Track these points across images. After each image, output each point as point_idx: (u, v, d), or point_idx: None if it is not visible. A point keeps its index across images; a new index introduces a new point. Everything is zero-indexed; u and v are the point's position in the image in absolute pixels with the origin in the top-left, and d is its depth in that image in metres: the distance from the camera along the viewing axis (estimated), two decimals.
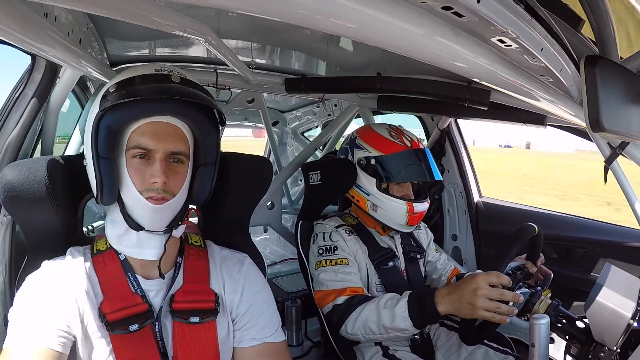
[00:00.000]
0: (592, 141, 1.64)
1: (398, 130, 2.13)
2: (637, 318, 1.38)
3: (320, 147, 3.50)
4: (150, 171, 1.15)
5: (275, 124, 4.23)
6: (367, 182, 2.07)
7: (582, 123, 1.31)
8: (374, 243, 2.10)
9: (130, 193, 1.16)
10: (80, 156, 1.26)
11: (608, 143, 1.55)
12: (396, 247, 2.17)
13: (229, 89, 2.38)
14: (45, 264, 1.21)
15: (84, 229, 1.56)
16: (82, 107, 2.47)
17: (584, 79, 1.14)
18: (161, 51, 2.19)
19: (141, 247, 1.20)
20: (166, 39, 2.00)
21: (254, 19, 1.58)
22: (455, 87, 1.88)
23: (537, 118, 1.97)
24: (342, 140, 3.18)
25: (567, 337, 1.56)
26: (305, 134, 4.45)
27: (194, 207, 1.36)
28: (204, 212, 1.52)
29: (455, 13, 0.77)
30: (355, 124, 3.27)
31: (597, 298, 1.43)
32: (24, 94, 1.62)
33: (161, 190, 1.15)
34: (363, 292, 1.88)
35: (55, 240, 1.31)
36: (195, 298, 1.27)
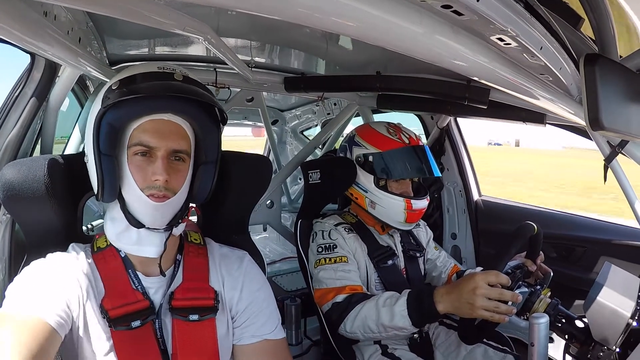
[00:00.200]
0: (591, 140, 1.63)
1: (396, 128, 2.13)
2: (636, 317, 1.38)
3: (320, 146, 3.50)
4: (152, 169, 1.15)
5: (274, 122, 4.23)
6: (365, 179, 2.07)
7: (581, 121, 1.31)
8: (373, 241, 2.10)
9: (132, 190, 1.16)
10: (80, 155, 1.26)
11: (607, 141, 1.55)
12: (396, 246, 2.17)
13: (229, 88, 2.38)
14: (50, 254, 1.21)
15: (84, 228, 1.56)
16: (82, 106, 2.47)
17: (583, 77, 1.14)
18: (161, 50, 2.19)
19: (141, 245, 1.20)
20: (166, 38, 2.00)
21: (254, 18, 1.58)
22: (455, 86, 1.88)
23: (536, 116, 1.97)
24: (341, 139, 3.18)
25: (566, 336, 1.55)
26: (305, 133, 4.44)
27: (194, 205, 1.36)
28: (203, 210, 1.52)
29: (455, 11, 0.77)
30: (352, 125, 3.27)
31: (597, 297, 1.43)
32: (23, 93, 1.61)
33: (163, 187, 1.15)
34: (362, 290, 1.88)
35: (55, 239, 1.30)
36: (194, 295, 1.27)
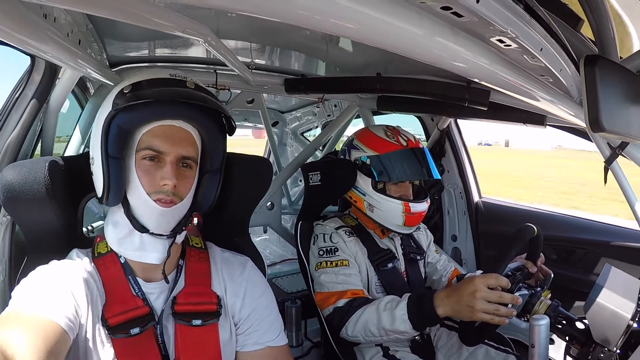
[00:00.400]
0: (592, 141, 1.63)
1: (395, 130, 2.13)
2: (636, 319, 1.38)
3: (320, 148, 3.50)
4: (160, 173, 1.15)
5: (275, 124, 4.24)
6: (363, 182, 2.07)
7: (581, 123, 1.31)
8: (373, 244, 2.10)
9: (138, 194, 1.16)
10: (81, 157, 1.26)
11: (608, 143, 1.55)
12: (396, 249, 2.17)
13: (229, 90, 2.38)
14: (56, 261, 1.21)
15: (84, 230, 1.56)
16: (82, 108, 2.47)
17: (583, 78, 1.14)
18: (161, 52, 2.20)
19: (144, 251, 1.19)
20: (166, 40, 2.00)
21: (254, 20, 1.58)
22: (455, 87, 1.88)
23: (536, 118, 1.97)
24: (342, 139, 3.19)
25: (566, 338, 1.55)
26: (305, 135, 4.45)
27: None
28: (204, 212, 1.52)
29: (455, 13, 0.77)
30: (353, 127, 3.27)
31: (597, 299, 1.43)
32: (23, 95, 1.62)
33: (171, 193, 1.15)
34: (363, 295, 1.88)
35: (55, 241, 1.30)
36: (197, 300, 1.27)
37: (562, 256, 2.63)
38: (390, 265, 2.08)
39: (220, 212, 1.50)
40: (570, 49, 1.11)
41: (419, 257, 2.24)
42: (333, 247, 1.99)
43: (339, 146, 3.06)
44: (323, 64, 2.43)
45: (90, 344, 1.13)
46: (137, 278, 1.24)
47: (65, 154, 2.35)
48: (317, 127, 4.25)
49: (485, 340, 2.02)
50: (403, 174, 2.04)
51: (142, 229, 1.17)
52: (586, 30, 1.24)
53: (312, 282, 2.04)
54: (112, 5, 0.87)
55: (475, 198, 3.11)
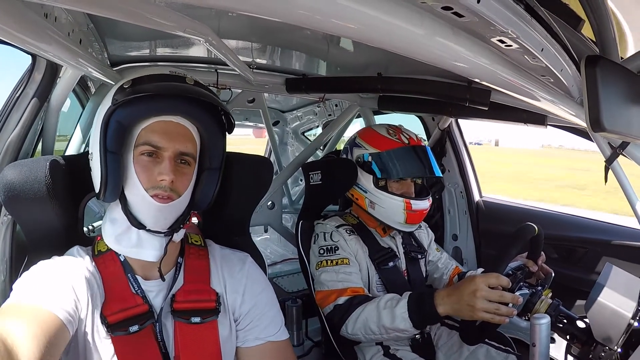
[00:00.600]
0: (592, 141, 1.63)
1: (396, 129, 2.13)
2: (637, 318, 1.38)
3: (321, 147, 3.50)
4: (158, 169, 1.15)
5: (276, 123, 4.24)
6: (364, 179, 2.07)
7: (582, 123, 1.31)
8: (374, 243, 2.10)
9: (136, 190, 1.16)
10: (81, 156, 1.26)
11: (609, 143, 1.55)
12: (397, 247, 2.17)
13: (230, 89, 2.39)
14: (57, 256, 1.21)
15: (85, 229, 1.56)
16: (83, 107, 2.47)
17: (584, 79, 1.14)
18: (162, 51, 2.19)
19: (141, 247, 1.19)
20: (167, 39, 2.00)
21: (255, 19, 1.58)
22: (456, 87, 1.88)
23: (537, 118, 1.97)
24: (344, 139, 3.19)
25: (567, 336, 1.56)
26: (306, 134, 4.45)
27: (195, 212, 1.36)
28: (204, 211, 1.52)
29: (456, 13, 0.77)
30: (353, 126, 3.27)
31: (598, 298, 1.43)
32: (24, 94, 1.62)
33: (168, 188, 1.15)
34: (364, 293, 1.88)
35: (56, 240, 1.30)
36: (196, 298, 1.27)
37: (562, 255, 2.63)
38: (391, 264, 2.08)
39: (221, 212, 1.50)
40: (571, 49, 1.11)
41: (420, 256, 2.24)
42: (333, 246, 1.99)
43: (339, 146, 3.05)
44: (324, 64, 2.43)
45: (90, 341, 1.14)
46: (137, 276, 1.25)
47: (66, 153, 2.35)
48: (318, 126, 4.25)
49: (486, 340, 2.02)
50: (404, 171, 2.04)
51: (139, 225, 1.17)
52: (587, 31, 1.24)
53: (313, 281, 2.04)
54: (113, 4, 0.87)
55: (476, 197, 3.11)
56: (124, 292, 1.21)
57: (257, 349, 1.34)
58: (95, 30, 1.68)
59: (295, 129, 4.38)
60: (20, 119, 1.59)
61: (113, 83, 1.69)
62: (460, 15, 0.78)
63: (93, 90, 2.46)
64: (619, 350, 1.41)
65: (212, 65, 2.30)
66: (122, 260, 1.24)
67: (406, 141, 2.07)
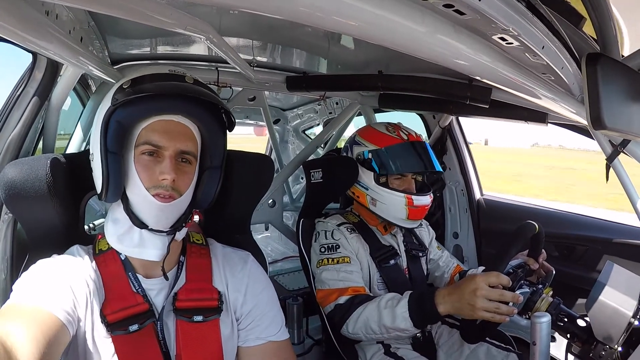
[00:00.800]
0: (593, 139, 1.63)
1: (395, 126, 2.14)
2: (638, 316, 1.38)
3: (322, 145, 3.50)
4: (159, 168, 1.15)
5: (276, 122, 4.24)
6: (365, 177, 2.07)
7: (583, 121, 1.31)
8: (375, 241, 2.10)
9: (137, 189, 1.16)
10: (82, 154, 1.26)
11: (609, 141, 1.55)
12: (398, 245, 2.17)
13: (230, 87, 2.39)
14: (57, 255, 1.21)
15: (85, 227, 1.56)
16: (84, 105, 2.47)
17: (585, 76, 1.14)
18: (162, 49, 2.19)
19: (143, 247, 1.19)
20: (167, 37, 2.00)
21: (255, 17, 1.59)
22: (457, 85, 1.88)
23: (538, 116, 1.97)
24: (344, 137, 3.18)
25: (568, 335, 1.55)
26: (307, 132, 4.45)
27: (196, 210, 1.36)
28: (205, 210, 1.52)
29: (457, 11, 0.77)
30: (354, 125, 3.27)
31: (599, 297, 1.43)
32: (25, 92, 1.62)
33: (169, 187, 1.15)
34: (365, 292, 1.89)
35: (57, 238, 1.30)
36: (198, 296, 1.27)
37: (563, 253, 2.64)
38: (392, 262, 2.08)
39: (222, 210, 1.50)
40: (572, 46, 1.11)
41: (420, 254, 2.24)
42: (334, 244, 1.99)
43: (340, 144, 3.05)
44: (325, 62, 2.43)
45: (90, 340, 1.14)
46: (138, 275, 1.25)
47: (67, 152, 2.35)
48: (318, 124, 4.25)
49: (487, 338, 2.02)
50: (404, 166, 2.05)
51: (141, 224, 1.17)
52: (588, 28, 1.24)
53: (314, 279, 2.04)
54: (114, 2, 0.88)
55: (477, 195, 3.11)
56: (124, 291, 1.21)
57: (257, 348, 1.34)
58: (96, 28, 1.68)
59: (296, 127, 4.38)
60: (21, 117, 1.59)
61: (114, 81, 1.70)
62: (461, 13, 0.78)
63: (94, 88, 2.46)
64: (620, 349, 1.41)
65: (213, 63, 2.30)
66: (122, 259, 1.24)
67: (405, 137, 2.07)
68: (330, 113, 3.81)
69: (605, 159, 1.57)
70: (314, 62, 2.45)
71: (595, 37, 1.23)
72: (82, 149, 2.32)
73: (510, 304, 1.50)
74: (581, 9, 1.15)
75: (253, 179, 1.53)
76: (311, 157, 3.00)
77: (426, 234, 2.38)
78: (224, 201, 1.46)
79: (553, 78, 1.17)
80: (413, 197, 2.01)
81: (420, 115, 3.16)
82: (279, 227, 3.47)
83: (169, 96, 1.16)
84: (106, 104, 1.14)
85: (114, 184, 1.15)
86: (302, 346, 2.70)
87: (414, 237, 2.30)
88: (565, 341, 1.58)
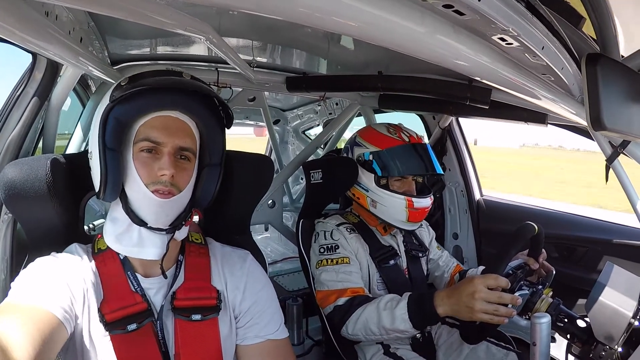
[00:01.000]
0: (593, 140, 1.63)
1: (397, 127, 2.14)
2: (638, 317, 1.38)
3: (322, 146, 3.50)
4: (158, 164, 1.15)
5: (276, 122, 4.24)
6: (366, 178, 2.07)
7: (583, 122, 1.31)
8: (375, 241, 2.10)
9: (136, 186, 1.15)
10: (82, 154, 1.26)
11: (609, 142, 1.55)
12: (398, 246, 2.17)
13: (230, 88, 2.39)
14: (56, 253, 1.21)
15: (85, 227, 1.56)
16: (84, 106, 2.47)
17: (585, 77, 1.14)
18: (162, 49, 2.19)
19: (142, 246, 1.18)
20: (167, 38, 2.00)
21: (255, 18, 1.58)
22: (457, 86, 1.88)
23: (538, 116, 1.97)
24: (344, 138, 3.18)
25: (568, 336, 1.56)
26: (307, 133, 4.45)
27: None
28: (205, 210, 1.52)
29: (457, 11, 0.77)
30: (354, 125, 3.27)
31: (599, 297, 1.43)
32: (25, 93, 1.62)
33: (168, 183, 1.15)
34: (364, 293, 1.88)
35: (57, 239, 1.30)
36: (196, 295, 1.27)
37: (563, 254, 2.63)
38: (392, 262, 2.08)
39: (222, 210, 1.50)
40: (572, 47, 1.11)
41: (421, 254, 2.24)
42: (334, 245, 1.99)
43: (340, 144, 3.05)
44: (325, 62, 2.43)
45: (88, 339, 1.14)
46: (136, 273, 1.25)
47: (67, 152, 2.35)
48: (318, 125, 4.25)
49: (487, 338, 2.03)
50: (405, 169, 2.04)
51: (140, 222, 1.17)
52: (588, 29, 1.24)
53: (313, 280, 2.04)
54: (113, 3, 0.87)
55: (477, 196, 3.11)
56: (122, 290, 1.21)
57: (256, 347, 1.34)
58: (96, 29, 1.68)
59: (295, 127, 4.38)
60: (20, 117, 1.59)
61: (113, 82, 1.69)
62: (461, 14, 0.78)
63: (94, 89, 2.47)
64: (620, 349, 1.41)
65: (213, 64, 2.30)
66: (121, 258, 1.24)
67: (406, 139, 2.07)
68: (330, 114, 3.82)
69: (605, 160, 1.57)
70: (313, 63, 2.45)
71: (595, 38, 1.23)
72: (82, 149, 2.32)
73: (510, 305, 1.50)
74: (581, 10, 1.15)
75: (253, 180, 1.53)
76: (311, 158, 3.00)
77: (426, 234, 2.38)
78: (224, 201, 1.46)
79: (553, 79, 1.17)
80: (413, 199, 2.01)
81: (420, 116, 3.15)
82: (278, 227, 3.47)
83: (167, 91, 1.16)
84: (105, 102, 1.14)
85: (112, 182, 1.14)
86: (302, 347, 2.70)
87: (414, 238, 2.29)
88: (566, 342, 1.58)
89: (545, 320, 1.33)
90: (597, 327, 1.44)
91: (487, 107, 1.87)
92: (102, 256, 1.24)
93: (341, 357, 2.09)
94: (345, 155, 2.21)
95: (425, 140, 2.41)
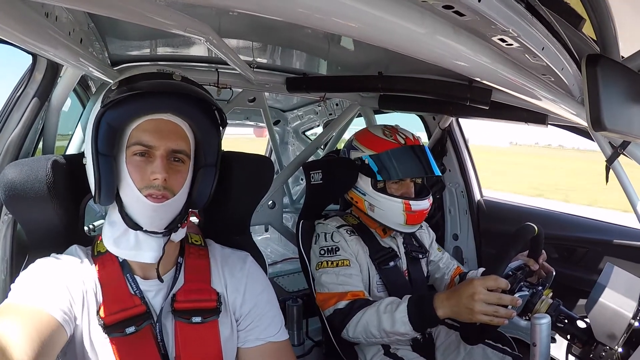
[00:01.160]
0: (593, 140, 1.63)
1: (393, 129, 2.13)
2: (638, 318, 1.38)
3: (322, 147, 3.50)
4: (151, 168, 1.14)
5: (276, 123, 4.24)
6: (363, 182, 2.07)
7: (583, 122, 1.31)
8: (375, 243, 2.10)
9: (130, 191, 1.15)
10: (82, 155, 1.26)
11: (609, 142, 1.55)
12: (398, 247, 2.17)
13: (230, 88, 2.38)
14: (56, 254, 1.21)
15: (85, 228, 1.56)
16: (84, 107, 2.47)
17: (585, 78, 1.14)
18: (162, 50, 2.19)
19: (139, 250, 1.18)
20: (167, 39, 2.00)
21: (255, 18, 1.58)
22: (457, 86, 1.88)
23: (538, 117, 1.97)
24: (344, 138, 3.18)
25: (568, 336, 1.55)
26: (307, 133, 4.45)
27: (194, 211, 1.35)
28: (205, 211, 1.52)
29: (457, 12, 0.77)
30: (354, 126, 3.27)
31: (599, 298, 1.43)
32: (25, 94, 1.62)
33: (162, 187, 1.14)
34: (364, 296, 1.89)
35: (57, 239, 1.30)
36: (196, 297, 1.27)
37: (563, 255, 2.63)
38: (391, 263, 2.08)
39: (222, 211, 1.50)
40: (572, 48, 1.11)
41: (421, 256, 2.24)
42: (334, 247, 1.99)
43: (340, 145, 3.05)
44: (325, 63, 2.42)
45: (87, 342, 1.14)
46: (136, 276, 1.24)
47: (67, 153, 2.35)
48: (318, 125, 4.25)
49: (486, 340, 2.03)
50: (401, 172, 2.04)
51: (135, 226, 1.16)
52: (588, 30, 1.24)
53: (314, 281, 2.04)
54: (113, 3, 0.87)
55: (477, 197, 3.11)
56: (121, 293, 1.20)
57: (257, 349, 1.34)
58: (96, 30, 1.68)
59: (295, 128, 4.38)
60: (21, 118, 1.59)
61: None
62: (461, 14, 0.78)
63: (94, 89, 2.46)
64: (620, 350, 1.41)
65: (213, 65, 2.29)
66: (120, 260, 1.24)
67: (402, 141, 2.06)
68: (330, 114, 3.81)
69: (605, 161, 1.57)
70: (314, 63, 2.45)
71: (595, 39, 1.23)
72: (82, 150, 2.32)
73: (509, 306, 1.50)
74: (581, 10, 1.15)
75: (253, 180, 1.53)
76: (311, 159, 3.00)
77: (426, 235, 2.38)
78: (224, 202, 1.46)
79: (553, 79, 1.17)
80: (411, 202, 2.01)
81: (420, 116, 3.15)
82: (278, 228, 3.47)
83: (158, 94, 1.15)
84: (97, 107, 1.14)
85: (107, 186, 1.14)
86: (302, 348, 2.70)
87: (414, 239, 2.29)
88: (566, 342, 1.58)
89: (545, 321, 1.33)
90: (597, 328, 1.44)
91: (487, 108, 1.87)
92: (102, 259, 1.24)
93: (341, 358, 2.09)
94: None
95: (424, 140, 2.40)
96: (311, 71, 2.47)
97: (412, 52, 0.88)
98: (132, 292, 1.22)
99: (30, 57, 1.63)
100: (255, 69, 2.15)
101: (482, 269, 2.08)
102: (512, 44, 0.91)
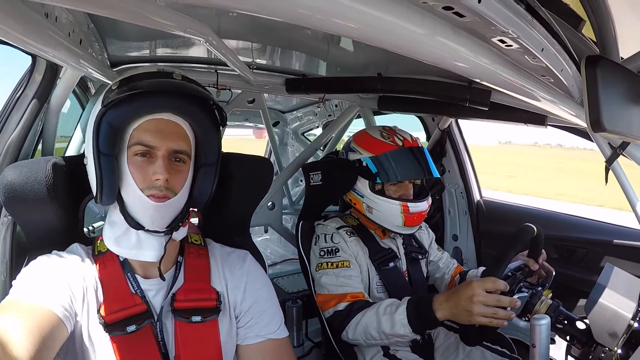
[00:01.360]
0: (592, 141, 1.63)
1: (390, 131, 2.12)
2: (637, 319, 1.38)
3: (321, 148, 3.50)
4: (152, 168, 1.14)
5: (276, 124, 4.24)
6: (361, 184, 2.07)
7: (582, 123, 1.31)
8: (375, 244, 2.10)
9: (131, 191, 1.15)
10: (82, 157, 1.26)
11: (609, 143, 1.55)
12: (398, 248, 2.17)
13: (230, 90, 2.38)
14: (57, 252, 1.21)
15: (85, 230, 1.55)
16: (83, 108, 2.47)
17: (584, 79, 1.14)
18: (162, 51, 2.19)
19: (140, 249, 1.18)
20: (167, 39, 2.00)
21: (255, 19, 1.58)
22: (456, 88, 1.88)
23: (537, 118, 1.97)
24: (343, 139, 3.18)
25: (567, 337, 1.55)
26: (306, 135, 4.45)
27: (195, 210, 1.35)
28: (204, 212, 1.52)
29: (456, 13, 0.77)
30: (354, 127, 3.27)
31: (598, 299, 1.43)
32: (24, 95, 1.61)
33: (163, 187, 1.14)
34: (363, 298, 1.89)
35: (56, 241, 1.30)
36: (196, 297, 1.27)
37: (563, 255, 2.63)
38: (391, 264, 2.08)
39: (221, 212, 1.50)
40: (572, 49, 1.11)
41: (420, 257, 2.24)
42: (334, 248, 1.99)
43: (339, 146, 3.05)
44: (324, 64, 2.42)
45: (88, 340, 1.14)
46: (136, 275, 1.25)
47: (66, 154, 2.35)
48: (318, 127, 4.24)
49: (485, 342, 2.03)
50: (400, 174, 2.04)
51: (137, 226, 1.17)
52: (587, 31, 1.24)
53: (313, 282, 2.04)
54: (113, 4, 0.87)
55: (476, 197, 3.11)
56: (122, 292, 1.21)
57: (257, 346, 1.34)
58: (96, 31, 1.68)
59: (295, 129, 4.38)
60: (20, 120, 1.59)
61: None
62: (461, 15, 0.78)
63: (93, 91, 2.46)
64: (619, 351, 1.41)
65: (212, 66, 2.30)
66: (121, 260, 1.24)
67: (400, 143, 2.06)
68: (330, 115, 3.81)
69: (605, 162, 1.57)
70: (313, 65, 2.45)
71: (595, 40, 1.23)
72: (82, 151, 2.31)
73: (509, 308, 1.50)
74: (581, 12, 1.15)
75: (252, 182, 1.53)
76: (310, 160, 3.00)
77: (426, 236, 2.38)
78: (224, 203, 1.46)
79: (552, 80, 1.17)
80: (409, 204, 2.01)
81: (419, 117, 3.16)
82: (278, 229, 3.47)
83: (158, 94, 1.15)
84: (98, 107, 1.14)
85: (108, 187, 1.14)
86: (302, 349, 2.70)
87: (414, 240, 2.29)
88: (565, 343, 1.58)
89: (544, 321, 1.33)
90: (597, 329, 1.44)
91: (487, 109, 1.87)
92: (102, 258, 1.24)
93: (341, 359, 2.08)
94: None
95: (423, 140, 2.39)
96: (310, 72, 2.47)
97: (412, 53, 0.88)
98: (133, 291, 1.22)
99: (29, 58, 1.63)
100: (254, 70, 2.15)
101: (482, 268, 2.08)
102: (511, 45, 0.91)
